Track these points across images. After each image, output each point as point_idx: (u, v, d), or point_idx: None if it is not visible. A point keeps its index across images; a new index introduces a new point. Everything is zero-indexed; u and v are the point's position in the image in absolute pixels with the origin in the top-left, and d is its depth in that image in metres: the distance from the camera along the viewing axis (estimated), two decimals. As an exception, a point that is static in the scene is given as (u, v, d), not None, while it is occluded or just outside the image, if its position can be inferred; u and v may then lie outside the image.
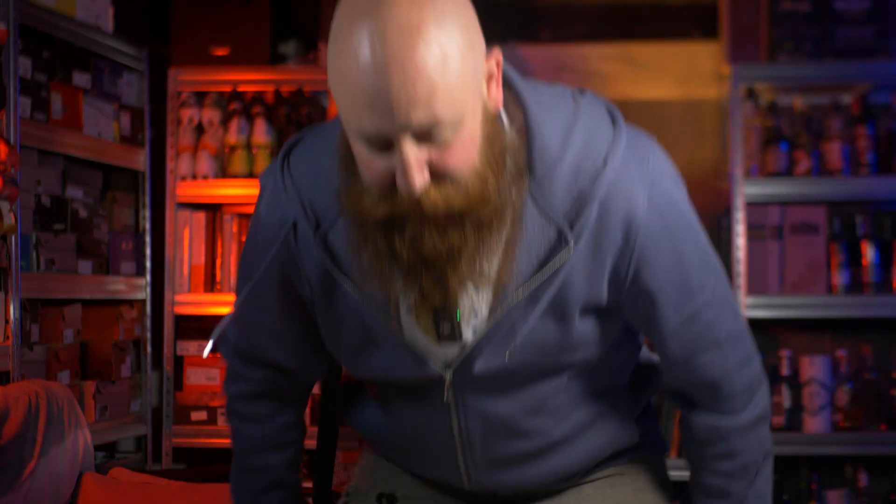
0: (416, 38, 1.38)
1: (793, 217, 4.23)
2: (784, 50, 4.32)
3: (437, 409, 1.67)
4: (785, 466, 4.24)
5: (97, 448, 3.76)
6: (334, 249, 1.60)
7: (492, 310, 1.57)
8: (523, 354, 1.61)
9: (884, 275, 4.18)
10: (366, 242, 1.51)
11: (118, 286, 4.02)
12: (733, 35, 4.39)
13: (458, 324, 1.59)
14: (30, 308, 3.47)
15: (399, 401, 1.74)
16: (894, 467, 4.21)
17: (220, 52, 4.45)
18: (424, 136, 1.42)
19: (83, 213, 3.79)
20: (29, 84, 3.48)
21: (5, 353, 3.21)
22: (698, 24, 4.73)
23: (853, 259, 4.19)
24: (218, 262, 4.31)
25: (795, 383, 4.18)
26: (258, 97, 4.33)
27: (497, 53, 1.51)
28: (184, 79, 4.36)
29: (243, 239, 4.27)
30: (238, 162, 4.27)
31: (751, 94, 4.29)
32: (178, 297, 4.29)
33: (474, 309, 1.58)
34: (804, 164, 4.21)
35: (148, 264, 4.21)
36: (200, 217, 4.32)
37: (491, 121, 1.50)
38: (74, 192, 3.78)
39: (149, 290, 4.21)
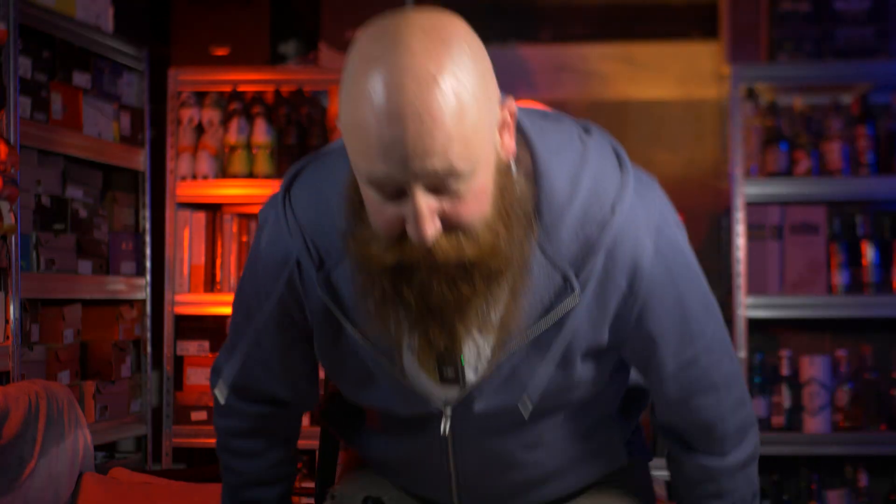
0: (432, 88, 1.37)
1: (793, 217, 4.23)
2: (784, 50, 4.32)
3: (434, 441, 1.68)
4: (785, 466, 4.24)
5: (97, 448, 3.76)
6: (337, 290, 1.59)
7: (495, 352, 1.57)
8: (524, 396, 1.60)
9: (884, 275, 4.18)
10: (372, 288, 1.50)
11: (118, 286, 4.02)
12: (733, 35, 4.39)
13: (462, 368, 1.59)
14: (30, 308, 3.47)
15: (396, 429, 1.73)
16: (894, 467, 4.21)
17: (220, 52, 4.45)
18: (437, 186, 1.41)
19: (83, 213, 3.79)
20: (29, 84, 3.48)
21: (5, 353, 3.21)
22: (698, 24, 4.73)
23: (853, 259, 4.19)
24: (218, 262, 4.31)
25: (795, 383, 4.18)
26: (258, 97, 4.33)
27: (511, 103, 1.49)
28: (184, 79, 4.36)
29: (244, 239, 4.28)
30: (238, 162, 4.27)
31: (751, 94, 4.29)
32: (178, 297, 4.29)
33: (478, 352, 1.58)
34: (804, 164, 4.21)
35: (148, 264, 4.21)
36: (200, 217, 4.32)
37: (503, 171, 1.48)
38: (74, 192, 3.78)
39: (149, 290, 4.21)
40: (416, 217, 1.40)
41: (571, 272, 1.53)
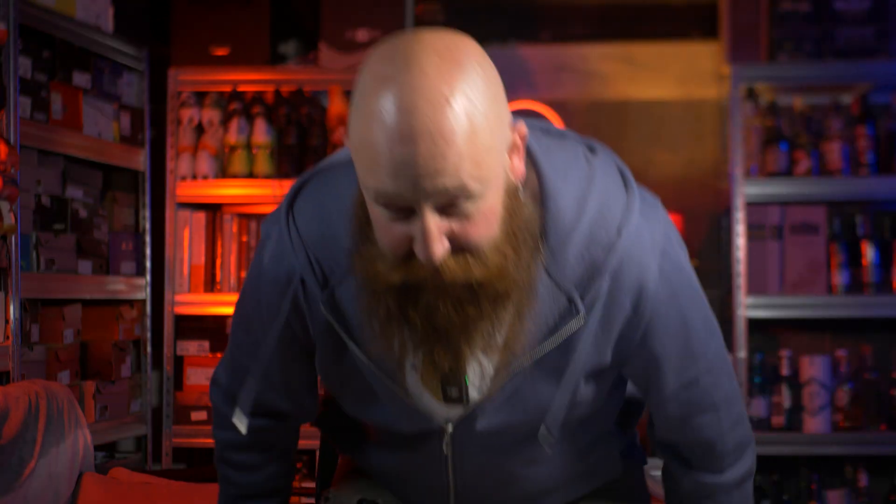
0: (445, 109, 1.37)
1: (793, 217, 4.23)
2: (784, 50, 4.32)
3: (433, 456, 1.68)
4: (785, 466, 4.24)
5: (97, 448, 3.76)
6: (341, 308, 1.59)
7: (499, 372, 1.57)
8: (525, 415, 1.62)
9: (884, 275, 4.18)
10: (377, 306, 1.49)
11: (118, 286, 4.02)
12: (733, 35, 4.39)
13: (466, 387, 1.59)
14: (30, 308, 3.47)
15: (396, 443, 1.73)
16: (894, 467, 4.21)
17: (220, 52, 4.45)
18: (447, 206, 1.41)
19: (83, 213, 3.79)
20: (29, 84, 3.48)
21: (5, 353, 3.21)
22: (698, 24, 4.73)
23: (853, 259, 4.19)
24: (218, 262, 4.31)
25: (795, 383, 4.18)
26: (258, 97, 4.33)
27: (521, 126, 1.49)
28: (184, 79, 4.36)
29: (244, 239, 4.28)
30: (238, 162, 4.27)
31: (751, 94, 4.29)
32: (178, 297, 4.29)
33: (482, 371, 1.58)
34: (804, 164, 4.21)
35: (148, 264, 4.21)
36: (200, 217, 4.32)
37: (512, 193, 1.48)
38: (74, 192, 3.78)
39: (149, 290, 4.21)
40: (425, 236, 1.40)
41: (576, 294, 1.54)
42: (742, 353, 4.14)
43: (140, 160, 4.18)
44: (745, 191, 4.19)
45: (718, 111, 4.62)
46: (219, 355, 4.29)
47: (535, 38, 4.80)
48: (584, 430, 1.71)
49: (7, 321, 3.24)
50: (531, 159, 1.55)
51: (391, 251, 1.45)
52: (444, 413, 1.62)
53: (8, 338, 3.23)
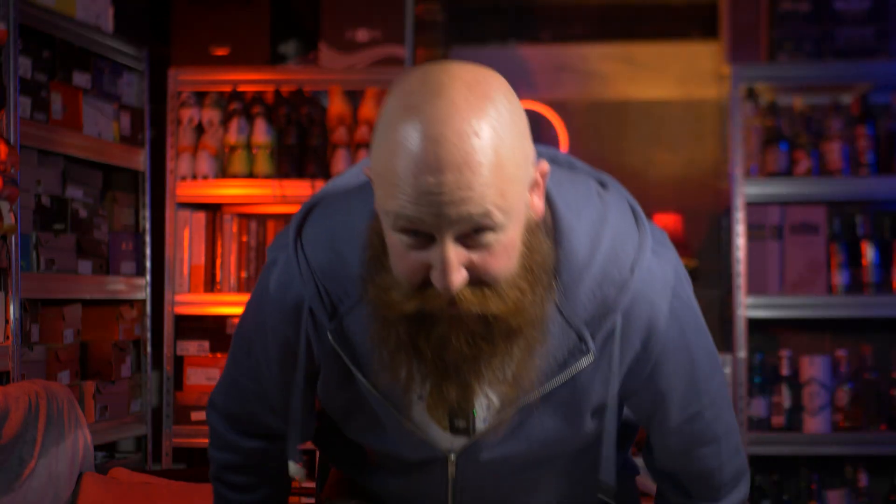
0: (473, 141, 1.38)
1: (793, 217, 4.23)
2: (784, 50, 4.32)
3: (434, 482, 1.68)
4: (785, 466, 4.24)
5: (97, 448, 3.76)
6: (349, 337, 1.58)
7: (506, 405, 1.57)
8: (529, 447, 1.62)
9: (884, 275, 4.18)
10: (387, 336, 1.49)
11: (118, 286, 4.02)
12: (733, 35, 4.39)
13: (474, 419, 1.59)
14: (30, 308, 3.47)
15: (398, 468, 1.73)
16: (894, 467, 4.21)
17: (220, 52, 4.45)
18: (467, 237, 1.41)
19: (83, 213, 3.79)
20: (29, 84, 3.48)
21: (5, 353, 3.21)
22: (698, 24, 4.73)
23: (853, 259, 4.19)
24: (218, 262, 4.31)
25: (795, 383, 4.19)
26: (258, 97, 4.33)
27: (543, 164, 1.49)
28: (184, 79, 4.36)
29: (244, 239, 4.28)
30: (238, 162, 4.28)
31: (751, 94, 4.29)
32: (178, 297, 4.29)
33: (488, 404, 1.58)
34: (804, 164, 4.21)
35: (148, 264, 4.21)
36: (200, 217, 4.32)
37: (531, 230, 1.48)
38: (74, 192, 3.78)
39: (149, 290, 4.21)
40: (444, 264, 1.40)
41: (587, 332, 1.54)
42: (742, 353, 4.14)
43: (140, 160, 4.18)
44: (745, 191, 4.19)
45: (718, 111, 4.62)
46: (219, 355, 4.29)
47: (535, 38, 4.80)
48: (584, 455, 1.71)
49: (7, 321, 3.24)
50: (546, 196, 1.55)
51: (407, 280, 1.44)
52: (449, 443, 1.63)
53: (8, 338, 3.23)
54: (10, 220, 3.17)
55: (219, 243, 4.31)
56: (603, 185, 1.63)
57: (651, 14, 4.78)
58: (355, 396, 1.63)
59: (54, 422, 2.99)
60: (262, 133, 4.27)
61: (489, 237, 1.41)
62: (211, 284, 4.31)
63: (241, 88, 4.36)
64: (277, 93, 4.34)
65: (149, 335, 4.19)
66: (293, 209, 4.36)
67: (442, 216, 1.38)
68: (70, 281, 3.69)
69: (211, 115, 4.32)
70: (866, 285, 4.17)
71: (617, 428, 1.75)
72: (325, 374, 1.65)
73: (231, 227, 4.31)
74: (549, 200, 1.55)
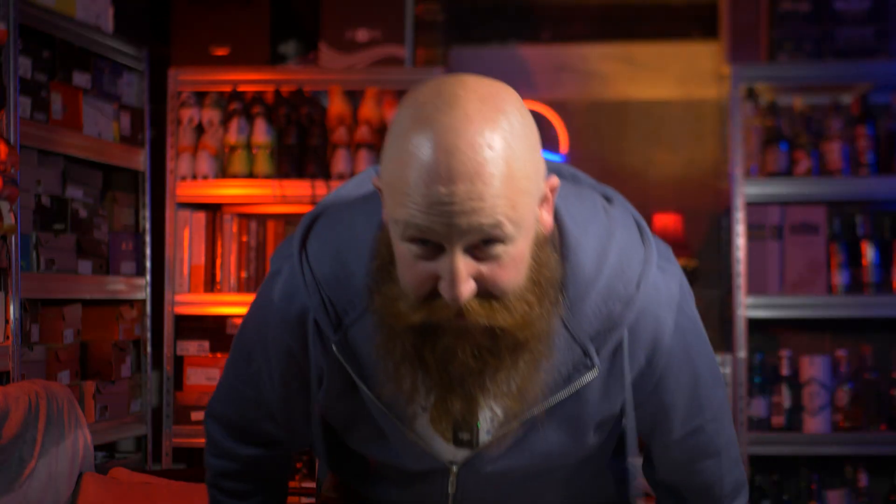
0: (486, 153, 1.38)
1: (793, 217, 4.23)
2: (784, 50, 4.32)
3: (435, 492, 1.69)
4: (785, 466, 4.24)
5: (97, 448, 3.76)
6: (354, 349, 1.58)
7: (510, 419, 1.57)
8: (532, 459, 1.63)
9: (884, 275, 4.18)
10: (392, 347, 1.49)
11: (118, 286, 4.02)
12: (733, 35, 4.39)
13: (478, 432, 1.59)
14: (30, 308, 3.47)
15: (399, 478, 1.73)
16: (894, 467, 4.21)
17: (220, 52, 4.45)
18: (477, 248, 1.41)
19: (83, 213, 3.79)
20: (29, 84, 3.48)
21: (5, 353, 3.21)
22: (698, 24, 4.73)
23: (853, 259, 4.19)
24: (218, 262, 4.31)
25: (795, 383, 4.18)
26: (258, 97, 4.33)
27: (553, 180, 1.50)
28: (184, 79, 4.36)
29: (244, 239, 4.28)
30: (238, 162, 4.28)
31: (751, 94, 4.29)
32: (178, 297, 4.29)
33: (492, 416, 1.58)
34: (804, 164, 4.21)
35: (148, 264, 4.21)
36: (200, 217, 4.32)
37: (540, 244, 1.49)
38: (74, 192, 3.78)
39: (149, 290, 4.21)
40: (453, 274, 1.40)
41: (592, 348, 1.55)
42: (742, 353, 4.14)
43: (140, 160, 4.19)
44: (745, 191, 4.19)
45: (718, 111, 4.62)
46: (219, 355, 4.29)
47: (535, 38, 4.80)
48: (585, 467, 1.72)
49: (7, 321, 3.24)
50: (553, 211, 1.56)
51: (414, 290, 1.44)
52: (451, 454, 1.63)
53: (8, 338, 3.23)
54: (10, 220, 3.17)
55: (219, 243, 4.31)
56: (608, 199, 1.63)
57: (651, 14, 4.78)
58: (358, 407, 1.63)
59: (54, 422, 2.99)
60: (262, 133, 4.27)
61: (498, 249, 1.41)
62: (211, 284, 4.31)
63: (241, 88, 4.36)
64: (277, 93, 4.34)
65: (149, 335, 4.19)
66: (293, 209, 4.36)
67: (452, 226, 1.38)
68: (70, 281, 3.69)
69: (211, 115, 4.32)
70: (866, 285, 4.17)
71: (615, 433, 1.76)
72: (327, 384, 1.64)
73: (231, 227, 4.31)
74: (556, 215, 1.55)
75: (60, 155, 3.71)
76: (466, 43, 4.76)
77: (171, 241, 4.30)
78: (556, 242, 1.54)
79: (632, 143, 4.73)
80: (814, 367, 4.15)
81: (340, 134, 4.25)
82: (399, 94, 4.31)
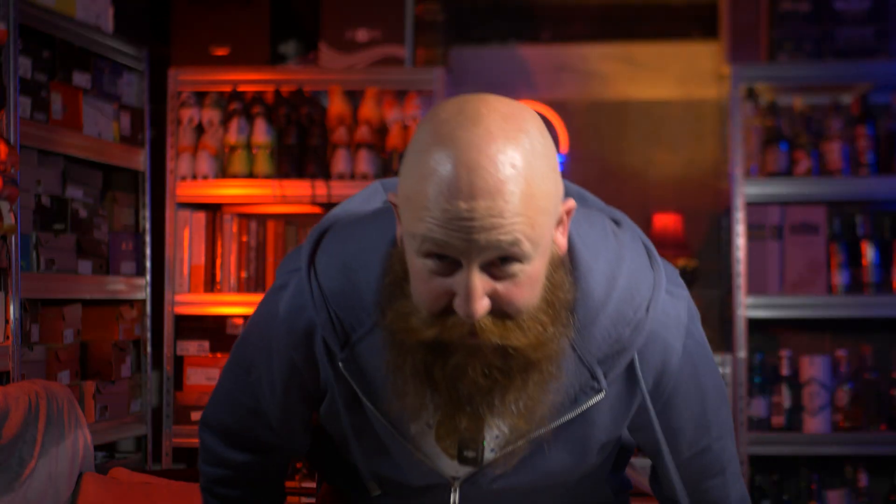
0: (508, 170, 1.39)
1: (793, 217, 4.23)
2: (784, 50, 4.32)
3: None
4: (785, 466, 4.24)
5: (97, 448, 3.76)
6: (360, 365, 1.58)
7: (515, 437, 1.57)
8: (535, 477, 1.63)
9: (884, 275, 4.18)
10: (402, 363, 1.49)
11: (118, 286, 4.02)
12: (733, 35, 4.39)
13: (483, 449, 1.59)
14: (30, 308, 3.47)
15: (398, 492, 1.73)
16: (894, 467, 4.21)
17: (220, 52, 4.45)
18: (493, 265, 1.41)
19: (83, 213, 3.79)
20: (29, 84, 3.48)
21: (5, 353, 3.21)
22: (698, 24, 4.73)
23: (853, 259, 4.19)
24: (218, 262, 4.31)
25: (795, 383, 4.19)
26: (258, 97, 4.33)
27: (570, 202, 1.50)
28: (184, 79, 4.36)
29: (244, 239, 4.28)
30: (238, 162, 4.28)
31: (751, 94, 4.29)
32: (178, 297, 4.29)
33: (497, 434, 1.58)
34: (804, 164, 4.21)
35: (148, 264, 4.21)
36: (200, 217, 4.32)
37: (555, 265, 1.49)
38: (74, 192, 3.78)
39: (149, 290, 4.21)
40: (469, 290, 1.40)
41: (600, 371, 1.55)
42: (742, 353, 4.14)
43: (140, 160, 4.19)
44: (745, 191, 4.19)
45: (718, 111, 4.62)
46: (219, 355, 4.29)
47: (535, 38, 4.80)
48: (585, 479, 1.73)
49: (7, 321, 3.24)
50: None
51: (428, 306, 1.44)
52: (454, 470, 1.63)
53: (8, 338, 3.23)
54: (10, 220, 3.17)
55: (219, 243, 4.32)
56: (616, 222, 1.64)
57: (651, 14, 4.78)
58: (361, 422, 1.63)
59: (54, 422, 2.99)
60: (262, 133, 4.27)
61: (515, 267, 1.42)
62: (211, 284, 4.31)
63: (241, 88, 4.36)
64: (277, 93, 4.34)
65: (149, 335, 4.19)
66: (293, 209, 4.37)
67: (471, 242, 1.39)
68: (70, 281, 3.69)
69: (211, 115, 4.32)
70: (866, 285, 4.17)
71: (616, 453, 1.78)
72: (330, 399, 1.64)
73: (231, 227, 4.31)
74: (567, 238, 1.55)
75: (60, 155, 3.71)
76: (466, 43, 4.76)
77: (171, 241, 4.30)
78: (567, 265, 1.54)
79: (632, 143, 4.73)
80: (814, 367, 4.15)
81: (340, 134, 4.25)
82: (399, 94, 4.32)
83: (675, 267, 1.70)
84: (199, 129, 4.35)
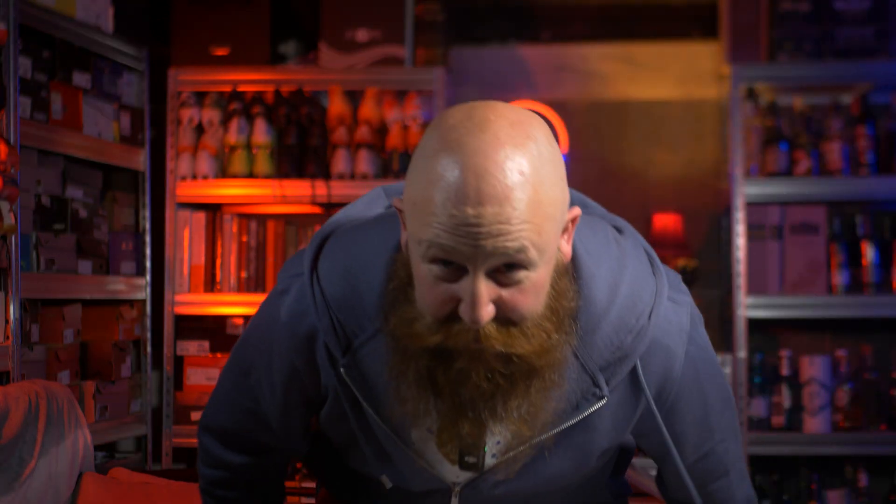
0: (516, 177, 1.39)
1: (793, 217, 4.23)
2: (784, 50, 4.32)
3: None
4: (785, 466, 4.24)
5: (97, 448, 3.76)
6: (362, 370, 1.58)
7: (516, 443, 1.57)
8: (536, 483, 1.63)
9: (884, 275, 4.18)
10: (406, 369, 1.49)
11: (118, 286, 4.02)
12: (733, 35, 4.39)
13: (484, 455, 1.59)
14: (30, 308, 3.47)
15: (398, 497, 1.73)
16: (894, 467, 4.21)
17: (220, 52, 4.45)
18: (500, 272, 1.41)
19: (83, 213, 3.79)
20: (29, 84, 3.48)
21: (5, 353, 3.21)
22: (698, 24, 4.73)
23: (853, 259, 4.19)
24: (218, 262, 4.31)
25: (795, 383, 4.19)
26: (258, 97, 4.33)
27: (575, 210, 1.50)
28: (184, 79, 4.36)
29: (244, 239, 4.28)
30: (238, 162, 4.28)
31: (751, 94, 4.29)
32: (178, 297, 4.29)
33: (499, 439, 1.58)
34: (804, 164, 4.21)
35: (148, 264, 4.21)
36: (200, 217, 4.32)
37: (560, 273, 1.49)
38: (74, 192, 3.78)
39: (149, 290, 4.21)
40: (474, 296, 1.40)
41: (602, 378, 1.55)
42: (742, 353, 4.14)
43: (140, 160, 4.19)
44: (745, 191, 4.19)
45: (718, 111, 4.62)
46: (219, 355, 4.29)
47: (535, 38, 4.80)
48: (585, 483, 1.73)
49: (7, 321, 3.24)
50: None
51: (433, 312, 1.44)
52: (455, 476, 1.63)
53: (8, 338, 3.23)
54: (10, 220, 3.17)
55: (219, 243, 4.32)
56: (618, 230, 1.64)
57: (651, 14, 4.78)
58: (361, 427, 1.63)
59: (54, 422, 2.99)
60: (262, 133, 4.27)
61: (521, 274, 1.42)
62: (211, 284, 4.31)
63: (241, 88, 4.36)
64: (277, 93, 4.34)
65: (149, 335, 4.19)
66: (293, 209, 4.37)
67: (478, 248, 1.39)
68: (70, 281, 3.69)
69: (211, 115, 4.33)
70: (866, 285, 4.17)
71: (616, 458, 1.78)
72: (331, 404, 1.64)
73: (231, 227, 4.31)
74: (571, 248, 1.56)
75: (60, 155, 3.71)
76: (466, 43, 4.76)
77: (171, 241, 4.30)
78: (571, 273, 1.54)
79: (632, 143, 4.73)
80: (814, 367, 4.15)
81: (340, 134, 4.26)
82: (399, 94, 4.32)
83: (676, 267, 1.70)
84: (199, 129, 4.35)
